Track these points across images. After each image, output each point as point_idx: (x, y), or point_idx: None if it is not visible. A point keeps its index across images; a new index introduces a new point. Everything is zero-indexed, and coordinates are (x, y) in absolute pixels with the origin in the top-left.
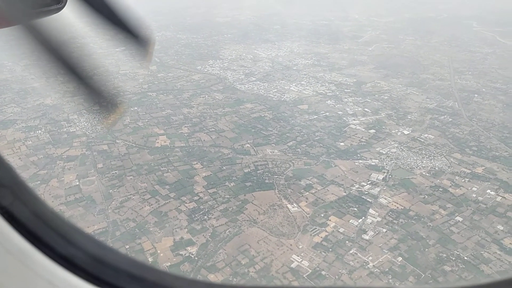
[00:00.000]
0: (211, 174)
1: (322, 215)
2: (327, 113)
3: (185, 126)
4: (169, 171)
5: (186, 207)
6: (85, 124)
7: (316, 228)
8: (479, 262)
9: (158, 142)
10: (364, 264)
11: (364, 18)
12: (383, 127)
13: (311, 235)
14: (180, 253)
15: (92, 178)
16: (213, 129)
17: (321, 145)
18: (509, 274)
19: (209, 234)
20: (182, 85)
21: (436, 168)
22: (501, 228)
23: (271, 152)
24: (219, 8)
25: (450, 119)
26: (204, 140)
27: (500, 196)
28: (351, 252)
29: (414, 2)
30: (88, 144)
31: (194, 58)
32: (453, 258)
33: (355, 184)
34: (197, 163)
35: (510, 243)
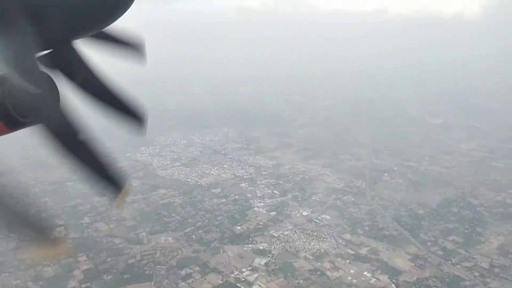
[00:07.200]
0: (92, 267)
1: None
2: (237, 196)
3: (87, 216)
4: (50, 265)
5: None
6: None
7: None
8: None
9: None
10: None
11: (305, 101)
12: (285, 209)
13: None
14: None
15: None
16: (114, 218)
17: (218, 230)
18: None
19: None
20: None
21: (322, 250)
22: None
23: (164, 240)
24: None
25: (353, 199)
26: (101, 230)
27: (374, 278)
28: None
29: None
30: None
31: (128, 145)
32: None
33: (235, 271)
34: (82, 255)
35: None
